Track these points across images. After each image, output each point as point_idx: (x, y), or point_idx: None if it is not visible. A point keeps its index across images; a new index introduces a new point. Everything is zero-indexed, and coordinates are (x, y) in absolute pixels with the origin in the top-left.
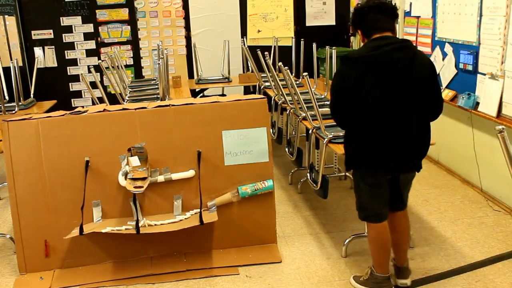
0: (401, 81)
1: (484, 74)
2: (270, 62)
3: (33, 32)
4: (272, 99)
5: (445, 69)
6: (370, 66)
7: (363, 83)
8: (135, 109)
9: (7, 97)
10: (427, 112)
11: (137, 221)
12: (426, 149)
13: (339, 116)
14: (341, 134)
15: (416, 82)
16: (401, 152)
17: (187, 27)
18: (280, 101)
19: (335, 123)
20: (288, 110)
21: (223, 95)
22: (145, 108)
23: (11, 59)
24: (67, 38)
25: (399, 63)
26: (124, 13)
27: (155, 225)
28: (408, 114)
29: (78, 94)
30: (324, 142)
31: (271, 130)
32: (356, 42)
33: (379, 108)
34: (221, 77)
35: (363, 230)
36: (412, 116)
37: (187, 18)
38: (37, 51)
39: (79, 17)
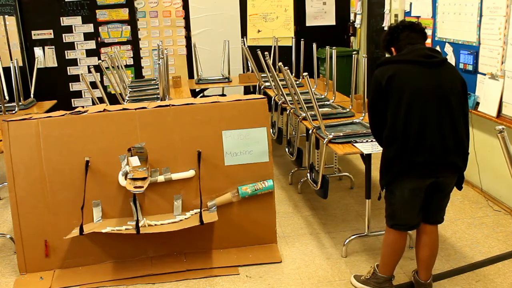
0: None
1: (484, 74)
2: (270, 62)
3: (33, 32)
4: (272, 99)
5: None
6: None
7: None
8: (135, 109)
9: (7, 97)
10: (461, 115)
11: (137, 221)
12: (464, 150)
13: (370, 123)
14: (341, 134)
15: (449, 82)
16: (441, 153)
17: (187, 27)
18: (280, 101)
19: (335, 123)
20: (288, 110)
21: (223, 95)
22: (145, 108)
23: (11, 59)
24: (67, 38)
25: (433, 59)
26: (124, 13)
27: (155, 225)
28: (444, 115)
29: (78, 94)
30: (324, 142)
31: (271, 130)
32: (356, 42)
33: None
34: (221, 77)
35: (363, 230)
36: (447, 116)
37: (187, 18)
38: (37, 51)
39: (79, 17)
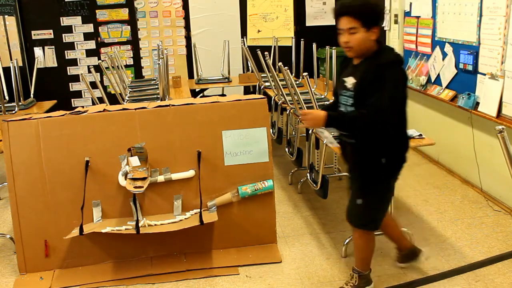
0: None
1: (484, 74)
2: (270, 62)
3: (33, 32)
4: (272, 99)
5: (445, 69)
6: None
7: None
8: (135, 109)
9: (7, 97)
10: None
11: (137, 221)
12: None
13: (393, 122)
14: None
15: None
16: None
17: (187, 27)
18: (280, 101)
19: None
20: (288, 110)
21: (223, 95)
22: (145, 108)
23: (11, 59)
24: (67, 38)
25: None
26: (124, 13)
27: (155, 225)
28: None
29: (78, 94)
30: (324, 142)
31: (271, 130)
32: None
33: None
34: (221, 77)
35: None
36: None
37: (187, 18)
38: (37, 51)
39: (79, 17)
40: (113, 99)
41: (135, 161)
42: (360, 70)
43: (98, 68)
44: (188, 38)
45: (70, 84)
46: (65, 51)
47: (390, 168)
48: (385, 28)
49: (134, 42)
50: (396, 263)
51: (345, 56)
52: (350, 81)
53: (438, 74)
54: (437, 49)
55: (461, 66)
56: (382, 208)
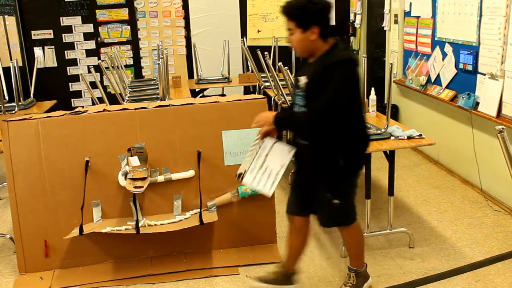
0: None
1: (484, 74)
2: (270, 62)
3: (33, 32)
4: (272, 99)
5: (445, 69)
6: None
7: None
8: (135, 109)
9: (7, 97)
10: None
11: (137, 221)
12: None
13: (331, 122)
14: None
15: None
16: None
17: (187, 27)
18: (280, 101)
19: None
20: None
21: (223, 95)
22: (145, 108)
23: (11, 59)
24: (67, 38)
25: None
26: (124, 13)
27: (155, 225)
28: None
29: (78, 94)
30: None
31: None
32: (356, 42)
33: (361, 105)
34: (221, 77)
35: (363, 230)
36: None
37: (187, 18)
38: (37, 51)
39: (79, 17)
40: (113, 99)
41: (135, 161)
42: (312, 68)
43: (98, 68)
44: (188, 38)
45: (70, 84)
46: (65, 51)
47: (349, 168)
48: (385, 28)
49: (134, 42)
50: (259, 282)
51: None
52: (302, 80)
53: (438, 74)
54: (437, 49)
55: (461, 66)
56: (353, 203)
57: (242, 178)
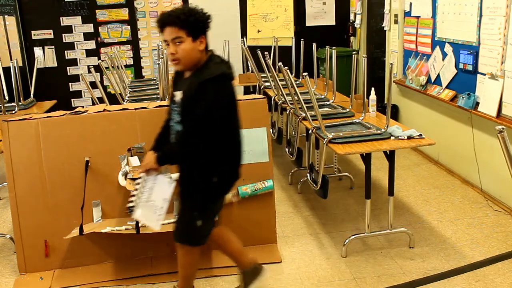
0: None
1: (484, 74)
2: (270, 62)
3: (33, 32)
4: (272, 99)
5: (445, 69)
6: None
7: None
8: (135, 109)
9: (7, 97)
10: None
11: (137, 221)
12: None
13: (204, 141)
14: (341, 134)
15: None
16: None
17: None
18: (280, 101)
19: (335, 123)
20: (288, 110)
21: None
22: (145, 108)
23: (11, 59)
24: (67, 38)
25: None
26: (124, 13)
27: None
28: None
29: (78, 94)
30: (324, 142)
31: (271, 130)
32: (356, 42)
33: (237, 120)
34: None
35: (363, 230)
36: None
37: None
38: (37, 51)
39: (79, 17)
40: (113, 99)
41: (135, 161)
42: (188, 84)
43: (98, 68)
44: None
45: (70, 84)
46: (65, 51)
47: (221, 185)
48: (385, 28)
49: (134, 42)
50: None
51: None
52: (178, 96)
53: (438, 74)
54: (437, 49)
55: (461, 66)
56: (212, 223)
57: (132, 211)
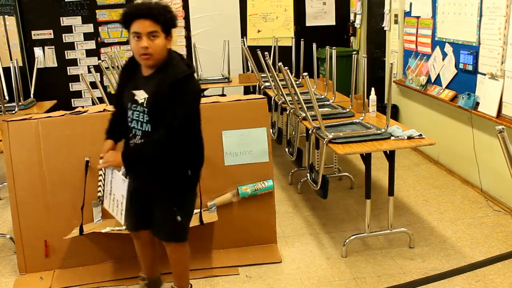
0: None
1: (484, 74)
2: (270, 62)
3: (33, 32)
4: (272, 99)
5: (445, 69)
6: None
7: None
8: None
9: (7, 97)
10: None
11: None
12: None
13: (188, 137)
14: (341, 134)
15: None
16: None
17: (187, 27)
18: (280, 101)
19: (335, 123)
20: (288, 110)
21: (223, 95)
22: None
23: (11, 59)
24: (67, 38)
25: None
26: None
27: None
28: None
29: (78, 94)
30: (324, 142)
31: (271, 130)
32: (356, 42)
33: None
34: (221, 77)
35: (363, 230)
36: None
37: (187, 18)
38: (37, 51)
39: (79, 17)
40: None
41: None
42: (154, 83)
43: (98, 68)
44: (188, 38)
45: (70, 84)
46: (65, 51)
47: (194, 178)
48: (385, 28)
49: None
50: None
51: (126, 63)
52: (141, 95)
53: (438, 74)
54: (437, 49)
55: (461, 66)
56: (191, 217)
57: (102, 201)
